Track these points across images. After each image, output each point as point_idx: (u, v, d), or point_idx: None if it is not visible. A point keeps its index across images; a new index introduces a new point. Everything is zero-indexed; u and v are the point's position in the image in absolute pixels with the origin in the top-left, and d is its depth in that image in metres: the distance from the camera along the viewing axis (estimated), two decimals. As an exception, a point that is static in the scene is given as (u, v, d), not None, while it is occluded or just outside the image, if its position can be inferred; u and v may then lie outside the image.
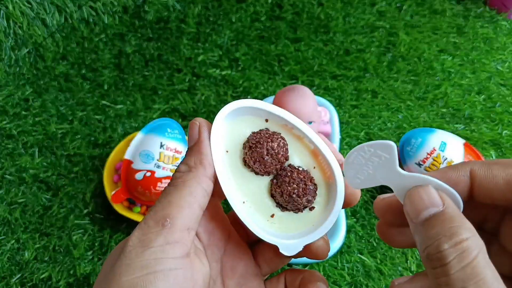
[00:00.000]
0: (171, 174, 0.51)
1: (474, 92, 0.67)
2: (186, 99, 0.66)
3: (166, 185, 0.24)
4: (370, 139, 0.62)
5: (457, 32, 0.74)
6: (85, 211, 0.56)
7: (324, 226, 0.24)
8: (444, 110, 0.65)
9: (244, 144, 0.26)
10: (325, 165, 0.26)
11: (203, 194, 0.23)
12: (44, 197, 0.57)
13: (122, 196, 0.53)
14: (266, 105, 0.26)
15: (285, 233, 0.25)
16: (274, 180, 0.25)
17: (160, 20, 0.76)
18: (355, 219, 0.56)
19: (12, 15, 0.66)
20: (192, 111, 0.65)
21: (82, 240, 0.54)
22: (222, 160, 0.25)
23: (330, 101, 0.64)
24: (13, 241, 0.54)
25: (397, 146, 0.61)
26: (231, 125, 0.26)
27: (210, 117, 0.64)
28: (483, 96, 0.66)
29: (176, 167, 0.25)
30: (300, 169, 0.26)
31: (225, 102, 0.65)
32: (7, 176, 0.59)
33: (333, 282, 0.50)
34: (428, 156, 0.51)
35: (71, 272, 0.52)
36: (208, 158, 0.24)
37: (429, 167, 0.51)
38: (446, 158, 0.51)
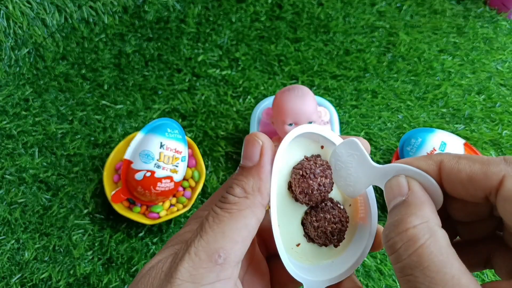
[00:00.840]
0: (171, 174, 0.51)
1: (474, 92, 0.67)
2: (186, 99, 0.66)
3: (217, 203, 0.21)
4: (370, 139, 0.62)
5: (457, 32, 0.74)
6: (85, 211, 0.56)
7: (351, 267, 0.24)
8: (444, 110, 0.65)
9: (294, 169, 0.24)
10: (361, 206, 0.25)
11: (257, 225, 0.21)
12: (44, 197, 0.57)
13: (122, 196, 0.53)
14: (327, 132, 0.24)
15: (301, 263, 0.24)
16: (312, 211, 0.24)
17: (160, 20, 0.76)
18: (355, 219, 0.56)
19: (12, 15, 0.66)
20: (192, 111, 0.65)
21: (82, 240, 0.54)
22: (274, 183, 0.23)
23: (330, 101, 0.64)
24: (13, 241, 0.54)
25: (397, 147, 0.61)
26: (291, 151, 0.24)
27: (210, 117, 0.64)
28: (483, 96, 0.66)
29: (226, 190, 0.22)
30: (341, 207, 0.25)
31: (225, 102, 0.66)
32: (7, 176, 0.59)
33: (333, 282, 0.50)
34: (428, 156, 0.51)
35: (71, 272, 0.52)
36: (267, 186, 0.21)
37: (429, 167, 0.51)
38: (446, 158, 0.51)
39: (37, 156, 0.61)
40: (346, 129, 0.63)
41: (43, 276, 0.51)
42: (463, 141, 0.53)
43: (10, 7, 0.65)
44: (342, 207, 0.25)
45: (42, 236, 0.54)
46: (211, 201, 0.25)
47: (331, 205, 0.24)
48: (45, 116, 0.64)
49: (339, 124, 0.59)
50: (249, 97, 0.66)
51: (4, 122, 0.63)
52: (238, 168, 0.22)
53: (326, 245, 0.24)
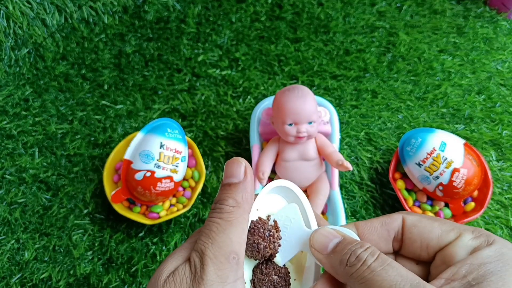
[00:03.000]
0: (171, 174, 0.51)
1: (474, 92, 0.67)
2: (186, 99, 0.66)
3: (214, 214, 0.25)
4: (370, 139, 0.62)
5: (457, 32, 0.74)
6: (85, 211, 0.56)
7: None
8: (444, 110, 0.65)
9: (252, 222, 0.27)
10: (306, 282, 0.28)
11: (247, 230, 0.25)
12: (44, 197, 0.57)
13: (122, 196, 0.53)
14: (303, 200, 0.28)
15: None
16: (258, 271, 0.27)
17: (160, 20, 0.76)
18: (355, 219, 0.56)
19: (12, 15, 0.66)
20: (192, 111, 0.65)
21: (82, 240, 0.54)
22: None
23: (330, 101, 0.64)
24: (13, 241, 0.54)
25: (397, 147, 0.61)
26: (273, 196, 0.29)
27: (210, 117, 0.64)
28: (483, 96, 0.66)
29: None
30: (288, 275, 0.27)
31: (225, 102, 0.66)
32: (7, 176, 0.59)
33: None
34: (428, 156, 0.51)
35: (71, 272, 0.52)
36: (251, 197, 0.26)
37: (429, 167, 0.51)
38: (446, 158, 0.51)
39: (37, 156, 0.61)
40: (346, 129, 0.63)
41: (43, 276, 0.51)
42: (463, 141, 0.53)
43: (10, 7, 0.65)
44: (289, 273, 0.28)
45: (42, 236, 0.54)
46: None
47: (281, 269, 0.27)
48: (45, 116, 0.64)
49: (339, 124, 0.59)
50: (249, 97, 0.66)
51: (4, 122, 0.63)
52: (221, 186, 0.26)
53: None
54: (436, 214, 0.54)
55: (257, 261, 0.27)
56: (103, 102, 0.66)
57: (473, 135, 0.62)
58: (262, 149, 0.57)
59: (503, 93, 0.67)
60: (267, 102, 0.58)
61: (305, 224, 0.27)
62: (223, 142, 0.62)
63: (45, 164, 0.60)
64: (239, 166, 0.26)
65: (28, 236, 0.54)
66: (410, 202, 0.54)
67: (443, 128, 0.63)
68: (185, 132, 0.59)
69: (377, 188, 0.58)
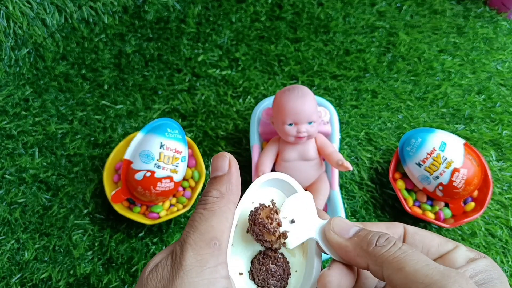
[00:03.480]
0: (171, 174, 0.51)
1: (474, 92, 0.67)
2: (186, 99, 0.66)
3: (199, 206, 0.26)
4: (370, 139, 0.62)
5: (457, 32, 0.74)
6: (85, 211, 0.56)
7: None
8: (444, 110, 0.65)
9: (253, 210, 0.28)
10: (305, 277, 0.28)
11: (232, 219, 0.26)
12: (44, 197, 0.57)
13: (122, 196, 0.53)
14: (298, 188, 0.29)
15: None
16: (261, 259, 0.28)
17: (160, 20, 0.76)
18: (355, 219, 0.56)
19: (12, 15, 0.66)
20: (192, 111, 0.65)
21: (82, 240, 0.54)
22: (244, 207, 0.28)
23: (330, 101, 0.64)
24: (13, 241, 0.54)
25: (397, 147, 0.61)
26: (268, 188, 0.30)
27: (210, 117, 0.64)
28: (483, 96, 0.66)
29: (204, 191, 0.27)
30: (288, 263, 0.28)
31: (225, 102, 0.66)
32: (7, 176, 0.59)
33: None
34: (428, 156, 0.51)
35: (71, 272, 0.52)
36: (237, 188, 0.27)
37: (429, 167, 0.51)
38: (446, 158, 0.51)
39: (37, 156, 0.61)
40: (346, 129, 0.63)
41: (43, 276, 0.51)
42: (463, 141, 0.53)
43: (10, 7, 0.65)
44: (289, 264, 0.28)
45: (42, 236, 0.54)
46: None
47: (279, 258, 0.28)
48: (45, 116, 0.64)
49: (339, 124, 0.59)
50: (249, 97, 0.66)
51: (4, 122, 0.63)
52: (208, 180, 0.27)
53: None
54: (436, 214, 0.54)
55: (256, 253, 0.28)
56: (103, 102, 0.66)
57: (473, 135, 0.62)
58: (262, 149, 0.57)
59: (503, 93, 0.67)
60: (267, 102, 0.58)
61: (316, 213, 0.28)
62: (223, 142, 0.62)
63: (45, 164, 0.60)
64: (223, 160, 0.27)
65: (28, 236, 0.54)
66: (410, 202, 0.54)
67: (443, 128, 0.63)
68: (185, 132, 0.59)
69: (377, 188, 0.58)
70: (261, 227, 0.26)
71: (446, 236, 0.54)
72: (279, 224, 0.27)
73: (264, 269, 0.27)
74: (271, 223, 0.26)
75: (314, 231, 0.27)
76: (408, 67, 0.69)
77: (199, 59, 0.71)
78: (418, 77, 0.68)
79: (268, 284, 0.27)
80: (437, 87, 0.67)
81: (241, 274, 0.27)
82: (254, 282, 0.27)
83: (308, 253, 0.28)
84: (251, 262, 0.28)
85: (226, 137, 0.63)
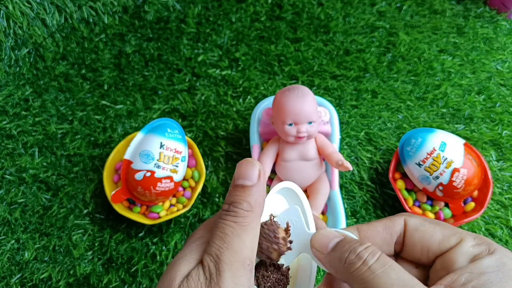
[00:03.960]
0: (171, 174, 0.51)
1: (474, 92, 0.67)
2: (186, 99, 0.66)
3: (228, 217, 0.25)
4: (370, 139, 0.62)
5: (457, 32, 0.74)
6: (85, 211, 0.56)
7: None
8: (444, 110, 0.65)
9: (272, 216, 0.28)
10: (302, 280, 0.28)
11: (258, 235, 0.25)
12: (44, 197, 0.57)
13: (122, 196, 0.53)
14: (306, 205, 0.29)
15: None
16: (263, 267, 0.28)
17: (160, 20, 0.76)
18: (355, 219, 0.56)
19: (12, 15, 0.66)
20: (192, 111, 0.65)
21: (82, 240, 0.54)
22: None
23: (330, 101, 0.64)
24: (13, 241, 0.54)
25: (397, 148, 0.61)
26: (276, 196, 0.29)
27: (210, 117, 0.64)
28: (483, 96, 0.66)
29: (233, 204, 0.26)
30: (289, 276, 0.28)
31: (225, 102, 0.66)
32: (7, 176, 0.59)
33: (333, 282, 0.50)
34: (428, 156, 0.51)
35: (71, 272, 0.52)
36: (264, 201, 0.26)
37: (429, 167, 0.51)
38: (446, 158, 0.51)
39: (37, 156, 0.61)
40: (346, 129, 0.63)
41: (43, 276, 0.51)
42: (463, 141, 0.53)
43: (10, 7, 0.65)
44: (289, 271, 0.28)
45: (42, 236, 0.54)
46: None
47: (282, 266, 0.28)
48: (45, 116, 0.64)
49: (339, 124, 0.59)
50: (249, 97, 0.66)
51: (4, 122, 0.63)
52: (232, 186, 0.26)
53: None
54: (436, 214, 0.54)
55: (257, 262, 0.27)
56: (103, 102, 0.66)
57: (473, 135, 0.62)
58: (262, 149, 0.57)
59: (503, 93, 0.67)
60: (267, 102, 0.58)
61: (306, 226, 0.27)
62: (223, 142, 0.62)
63: (45, 164, 0.60)
64: (253, 168, 0.25)
65: (28, 236, 0.54)
66: (410, 202, 0.54)
67: (443, 128, 0.63)
68: (185, 132, 0.59)
69: (377, 188, 0.58)
70: (276, 246, 0.26)
71: (446, 236, 0.54)
72: (289, 249, 0.27)
73: (272, 276, 0.27)
74: (284, 244, 0.26)
75: (306, 246, 0.26)
76: (408, 67, 0.69)
77: (199, 59, 0.71)
78: (418, 77, 0.68)
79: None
80: (437, 87, 0.67)
81: None
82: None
83: (302, 259, 0.29)
84: (256, 268, 0.27)
85: (226, 137, 0.63)
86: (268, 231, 0.26)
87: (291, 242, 0.27)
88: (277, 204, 0.29)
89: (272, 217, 0.27)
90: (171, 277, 0.23)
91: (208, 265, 0.23)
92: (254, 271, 0.24)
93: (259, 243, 0.26)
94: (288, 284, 0.28)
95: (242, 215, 0.24)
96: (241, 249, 0.23)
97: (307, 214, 0.28)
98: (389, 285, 0.21)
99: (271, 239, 0.26)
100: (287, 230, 0.27)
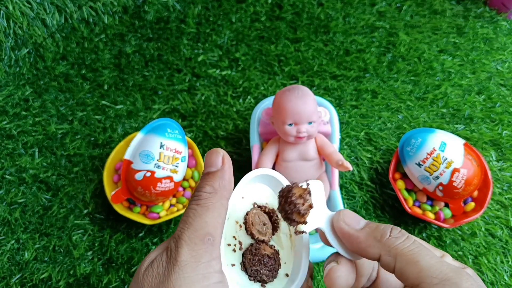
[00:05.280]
0: (171, 174, 0.51)
1: (474, 92, 0.67)
2: (186, 99, 0.66)
3: (192, 202, 0.26)
4: (370, 140, 0.62)
5: (457, 32, 0.74)
6: (85, 211, 0.56)
7: None
8: (444, 110, 0.65)
9: (255, 205, 0.30)
10: (295, 266, 0.29)
11: (225, 214, 0.27)
12: (44, 197, 0.57)
13: (122, 196, 0.53)
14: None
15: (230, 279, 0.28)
16: (253, 249, 0.29)
17: (160, 20, 0.76)
18: (355, 219, 0.56)
19: (12, 15, 0.66)
20: (192, 111, 0.65)
21: (82, 240, 0.54)
22: (235, 200, 0.29)
23: (330, 101, 0.64)
24: (13, 241, 0.54)
25: (397, 147, 0.61)
26: (257, 184, 0.31)
27: (210, 117, 0.64)
28: (483, 96, 0.66)
29: (198, 188, 0.27)
30: (278, 255, 0.29)
31: (225, 102, 0.66)
32: (7, 176, 0.59)
33: (333, 282, 0.50)
34: (428, 156, 0.51)
35: (71, 272, 0.52)
36: (230, 184, 0.27)
37: (429, 167, 0.51)
38: (446, 158, 0.51)
39: (37, 156, 0.61)
40: (346, 129, 0.63)
41: (43, 276, 0.51)
42: (463, 141, 0.53)
43: (10, 7, 0.65)
44: (279, 255, 0.29)
45: (42, 236, 0.54)
46: None
47: (271, 249, 0.29)
48: (45, 116, 0.64)
49: (339, 124, 0.59)
50: (249, 97, 0.66)
51: (4, 122, 0.63)
52: (201, 177, 0.28)
53: (255, 282, 0.28)
54: (436, 214, 0.54)
55: (246, 247, 0.29)
56: (103, 102, 0.66)
57: (473, 135, 0.62)
58: (262, 149, 0.57)
59: (503, 93, 0.67)
60: (267, 102, 0.58)
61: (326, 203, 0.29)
62: (223, 142, 0.62)
63: (45, 164, 0.60)
64: (217, 155, 0.28)
65: (28, 236, 0.54)
66: (410, 202, 0.54)
67: (443, 128, 0.63)
68: (185, 132, 0.59)
69: (377, 188, 0.58)
70: (292, 206, 0.27)
71: (446, 236, 0.54)
72: (310, 206, 0.27)
73: (257, 259, 0.28)
74: (303, 204, 0.27)
75: (323, 222, 0.27)
76: (408, 67, 0.69)
77: (199, 59, 0.71)
78: (418, 77, 0.68)
79: (260, 274, 0.28)
80: (437, 87, 0.67)
81: (233, 265, 0.28)
82: (246, 273, 0.28)
83: (296, 245, 0.29)
84: (243, 254, 0.28)
85: (226, 137, 0.63)
86: (295, 197, 0.27)
87: (311, 206, 0.28)
88: (260, 192, 0.31)
89: (307, 183, 0.29)
90: (140, 266, 0.25)
91: (170, 246, 0.25)
92: (218, 246, 0.25)
93: (283, 207, 0.27)
94: (279, 266, 0.29)
95: (204, 197, 0.26)
96: (201, 227, 0.25)
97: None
98: (436, 257, 0.23)
99: (288, 199, 0.27)
100: (306, 189, 0.28)
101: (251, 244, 0.29)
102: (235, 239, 0.29)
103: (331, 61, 0.70)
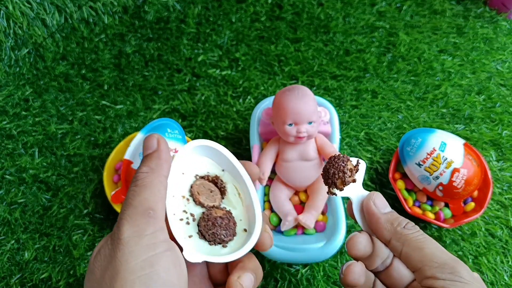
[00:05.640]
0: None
1: (474, 92, 0.67)
2: (186, 99, 0.66)
3: (131, 184, 0.28)
4: (370, 140, 0.62)
5: (457, 32, 0.74)
6: (85, 211, 0.56)
7: (231, 256, 0.29)
8: (444, 110, 0.65)
9: (197, 177, 0.32)
10: (251, 220, 0.31)
11: (165, 191, 0.28)
12: (44, 197, 0.57)
13: (122, 196, 0.53)
14: (231, 157, 0.32)
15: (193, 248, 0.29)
16: (205, 216, 0.30)
17: (160, 20, 0.76)
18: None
19: (12, 16, 0.66)
20: (192, 111, 0.65)
21: (82, 240, 0.54)
22: (176, 177, 0.31)
23: (330, 101, 0.64)
24: (13, 241, 0.54)
25: (397, 147, 0.61)
26: (195, 157, 0.32)
27: (210, 117, 0.64)
28: (483, 96, 0.66)
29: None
30: (232, 215, 0.31)
31: (225, 102, 0.66)
32: (7, 176, 0.59)
33: (333, 282, 0.50)
34: (428, 156, 0.51)
35: (71, 272, 0.52)
36: (166, 162, 0.29)
37: (429, 167, 0.51)
38: (446, 158, 0.51)
39: (37, 156, 0.61)
40: (346, 129, 0.63)
41: (43, 276, 0.51)
42: (463, 141, 0.53)
43: (10, 7, 0.65)
44: (233, 215, 0.31)
45: (42, 236, 0.54)
46: None
47: (221, 211, 0.31)
48: (45, 116, 0.64)
49: (339, 124, 0.59)
50: (249, 97, 0.66)
51: (4, 122, 0.63)
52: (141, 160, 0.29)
53: (215, 245, 0.30)
54: (436, 214, 0.54)
55: (198, 216, 0.30)
56: (103, 102, 0.66)
57: (473, 135, 0.62)
58: (262, 149, 0.57)
59: (503, 93, 0.67)
60: (267, 102, 0.58)
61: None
62: (223, 142, 0.62)
63: (45, 164, 0.60)
64: (151, 139, 0.29)
65: (28, 236, 0.54)
66: (410, 202, 0.54)
67: (443, 128, 0.63)
68: (185, 132, 0.59)
69: (377, 188, 0.58)
70: (341, 174, 0.31)
71: (446, 236, 0.54)
72: (354, 181, 0.32)
73: (211, 223, 0.29)
74: (350, 176, 0.32)
75: (354, 195, 0.32)
76: (408, 67, 0.69)
77: (199, 59, 0.71)
78: (418, 77, 0.68)
79: (218, 235, 0.29)
80: (437, 87, 0.67)
81: (190, 236, 0.29)
82: (205, 239, 0.29)
83: (246, 201, 0.32)
84: (198, 225, 0.30)
85: (226, 137, 0.63)
86: (339, 160, 0.32)
87: (354, 181, 0.32)
88: (199, 164, 0.32)
89: (358, 162, 0.33)
90: (92, 256, 0.26)
91: (114, 229, 0.25)
92: (161, 218, 0.26)
93: (327, 170, 0.32)
94: (235, 224, 0.31)
95: (141, 177, 0.27)
96: (140, 204, 0.26)
97: (241, 174, 0.32)
98: (439, 247, 0.27)
99: (339, 167, 0.31)
100: (356, 166, 0.33)
101: (203, 212, 0.30)
102: (186, 212, 0.30)
103: (331, 61, 0.70)
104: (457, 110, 0.65)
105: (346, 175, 0.31)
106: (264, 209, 0.54)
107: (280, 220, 0.53)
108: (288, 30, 0.75)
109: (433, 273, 0.26)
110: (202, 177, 0.32)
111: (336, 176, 0.31)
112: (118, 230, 0.25)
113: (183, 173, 0.31)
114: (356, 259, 0.32)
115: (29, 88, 0.67)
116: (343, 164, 0.31)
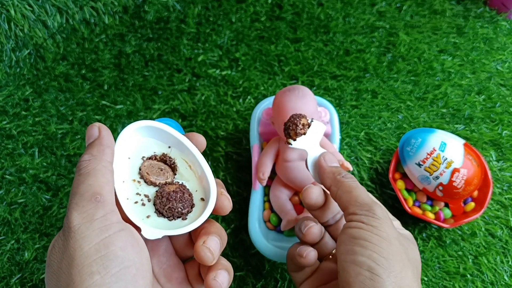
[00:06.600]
0: (171, 174, 0.51)
1: (474, 92, 0.67)
2: (186, 99, 0.66)
3: (75, 174, 0.28)
4: (370, 140, 0.62)
5: (457, 32, 0.74)
6: (85, 211, 0.56)
7: (192, 225, 0.30)
8: (444, 110, 0.65)
9: (145, 158, 0.32)
10: (206, 188, 0.32)
11: (111, 175, 0.28)
12: (44, 197, 0.57)
13: (122, 196, 0.53)
14: (175, 133, 0.33)
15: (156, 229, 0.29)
16: (160, 193, 0.31)
17: (160, 20, 0.76)
18: (355, 219, 0.56)
19: (14, 19, 0.66)
20: (192, 111, 0.65)
21: (82, 240, 0.54)
22: (123, 163, 0.31)
23: (330, 101, 0.64)
24: (13, 241, 0.54)
25: (397, 147, 0.61)
26: (139, 139, 0.33)
27: (210, 117, 0.64)
28: (483, 96, 0.66)
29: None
30: (187, 188, 0.32)
31: (225, 102, 0.66)
32: (7, 176, 0.59)
33: (333, 282, 0.50)
34: (428, 156, 0.51)
35: (71, 272, 0.52)
36: (109, 148, 0.29)
37: (429, 167, 0.51)
38: (446, 158, 0.51)
39: (37, 156, 0.61)
40: (346, 129, 0.63)
41: (43, 276, 0.51)
42: (463, 141, 0.53)
43: (12, 11, 0.65)
44: (187, 188, 0.32)
45: (42, 236, 0.54)
46: None
47: (176, 186, 0.31)
48: (45, 116, 0.64)
49: (339, 124, 0.59)
50: (249, 97, 0.66)
51: (4, 122, 0.64)
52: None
53: (175, 219, 0.30)
54: (436, 214, 0.54)
55: (153, 196, 0.31)
56: (103, 102, 0.66)
57: (473, 135, 0.62)
58: (262, 149, 0.57)
59: (503, 93, 0.67)
60: (267, 102, 0.58)
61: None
62: (223, 142, 0.62)
63: (45, 164, 0.60)
64: (93, 128, 0.30)
65: (28, 236, 0.54)
66: (410, 202, 0.54)
67: (443, 128, 0.63)
68: (185, 132, 0.59)
69: (377, 188, 0.58)
70: (294, 126, 0.37)
71: (446, 236, 0.54)
72: (304, 133, 0.37)
73: (165, 199, 0.30)
74: (301, 129, 0.37)
75: (309, 149, 0.37)
76: (408, 67, 0.69)
77: (199, 59, 0.71)
78: (418, 77, 0.68)
79: (175, 209, 0.30)
80: (437, 87, 0.67)
81: (148, 217, 0.29)
82: (164, 216, 0.30)
83: (197, 172, 0.33)
84: (154, 204, 0.30)
85: (226, 137, 0.63)
86: (296, 116, 0.38)
87: (305, 133, 0.37)
88: (144, 146, 0.33)
89: (312, 120, 0.39)
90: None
91: (64, 221, 0.26)
92: (110, 201, 0.26)
93: (288, 125, 0.38)
94: (191, 196, 0.31)
95: (84, 165, 0.27)
96: (86, 190, 0.26)
97: (189, 147, 0.32)
98: (364, 192, 0.33)
99: (294, 121, 0.37)
100: (309, 122, 0.38)
101: (155, 192, 0.31)
102: (140, 195, 0.30)
103: (331, 61, 0.70)
104: (457, 110, 0.65)
105: (298, 127, 0.37)
106: (264, 209, 0.54)
107: (280, 220, 0.52)
108: (288, 30, 0.75)
109: (354, 210, 0.31)
110: (149, 158, 0.32)
111: (290, 128, 0.37)
112: (67, 220, 0.25)
113: (129, 158, 0.32)
114: (309, 209, 0.37)
115: (29, 88, 0.67)
116: (298, 119, 0.37)
